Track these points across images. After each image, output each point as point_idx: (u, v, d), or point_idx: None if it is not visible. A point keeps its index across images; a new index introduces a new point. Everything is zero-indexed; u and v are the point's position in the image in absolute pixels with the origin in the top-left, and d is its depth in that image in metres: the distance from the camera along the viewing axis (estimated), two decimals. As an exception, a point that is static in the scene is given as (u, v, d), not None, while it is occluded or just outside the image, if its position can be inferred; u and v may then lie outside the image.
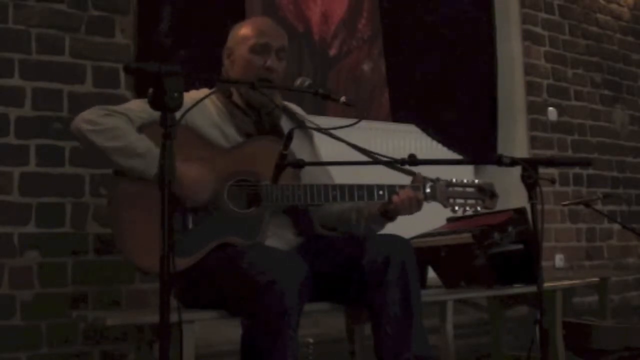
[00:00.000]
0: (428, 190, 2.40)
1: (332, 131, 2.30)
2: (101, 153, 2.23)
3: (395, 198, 2.35)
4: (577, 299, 4.42)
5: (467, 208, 2.44)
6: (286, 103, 2.60)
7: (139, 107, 2.28)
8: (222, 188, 2.29)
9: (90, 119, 2.24)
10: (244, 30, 2.47)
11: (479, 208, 2.46)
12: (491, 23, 4.45)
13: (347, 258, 2.31)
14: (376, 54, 4.44)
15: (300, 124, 2.52)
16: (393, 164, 2.26)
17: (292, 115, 2.57)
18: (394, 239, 2.34)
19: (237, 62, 2.45)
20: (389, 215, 2.43)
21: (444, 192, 2.42)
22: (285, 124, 2.49)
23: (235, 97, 2.45)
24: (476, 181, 2.49)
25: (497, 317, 3.51)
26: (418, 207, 2.39)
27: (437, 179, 2.43)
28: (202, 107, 2.29)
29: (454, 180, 2.44)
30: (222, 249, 2.25)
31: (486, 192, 2.46)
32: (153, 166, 2.16)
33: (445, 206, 2.44)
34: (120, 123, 2.24)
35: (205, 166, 2.27)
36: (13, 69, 2.76)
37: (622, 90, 5.16)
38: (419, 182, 2.41)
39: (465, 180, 2.46)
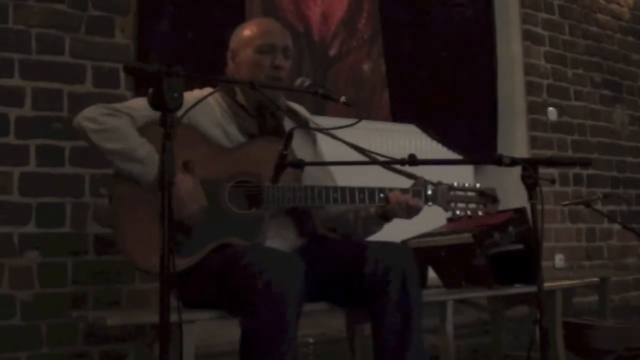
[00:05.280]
0: (429, 192, 2.39)
1: (333, 131, 2.29)
2: (100, 152, 2.22)
3: (391, 198, 2.34)
4: (577, 299, 4.41)
5: (469, 213, 2.42)
6: (290, 103, 2.58)
7: (142, 106, 2.24)
8: (223, 189, 2.28)
9: (92, 117, 2.22)
10: (247, 31, 2.46)
11: (480, 213, 2.44)
12: (491, 23, 4.45)
13: (348, 264, 2.29)
14: (376, 54, 4.43)
15: (303, 125, 2.51)
16: (393, 165, 2.25)
17: (296, 116, 2.55)
18: (395, 247, 2.33)
19: (243, 64, 2.42)
20: (385, 216, 2.43)
21: (445, 196, 2.40)
22: (289, 125, 2.46)
23: (239, 97, 2.44)
24: (478, 185, 2.47)
25: (497, 317, 3.51)
26: (416, 212, 2.38)
27: (439, 183, 2.41)
28: (205, 106, 2.29)
29: (455, 184, 2.43)
30: (222, 250, 2.24)
31: (488, 197, 2.45)
32: (150, 173, 2.16)
33: (446, 210, 2.42)
34: (122, 124, 2.23)
35: (202, 174, 2.24)
36: (13, 69, 2.76)
37: (622, 90, 5.16)
38: (420, 185, 2.40)
39: (467, 185, 2.45)
